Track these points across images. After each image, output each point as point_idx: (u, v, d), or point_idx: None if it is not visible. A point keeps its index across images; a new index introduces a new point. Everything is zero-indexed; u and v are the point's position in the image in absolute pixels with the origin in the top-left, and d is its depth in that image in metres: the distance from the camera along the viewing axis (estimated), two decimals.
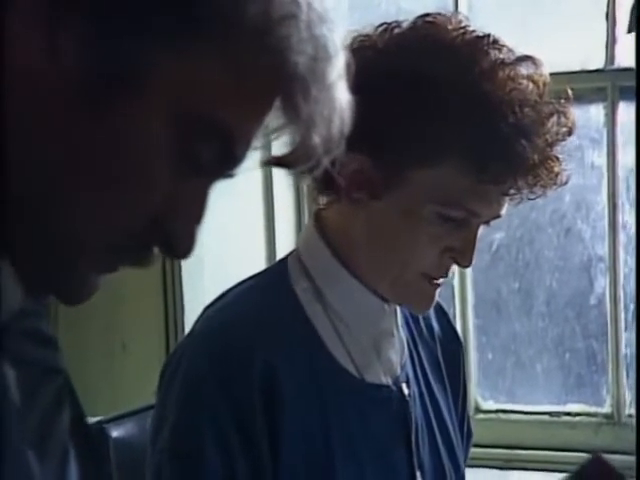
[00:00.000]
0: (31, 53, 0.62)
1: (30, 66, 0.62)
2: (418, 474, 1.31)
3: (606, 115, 2.49)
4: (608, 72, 2.47)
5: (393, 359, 1.32)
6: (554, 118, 1.21)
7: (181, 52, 0.64)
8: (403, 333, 1.35)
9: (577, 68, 2.51)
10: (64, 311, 2.62)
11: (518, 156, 1.18)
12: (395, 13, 1.29)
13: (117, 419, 1.72)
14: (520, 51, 1.24)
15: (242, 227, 2.67)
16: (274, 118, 0.69)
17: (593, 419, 2.55)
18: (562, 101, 1.23)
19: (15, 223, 0.64)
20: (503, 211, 1.25)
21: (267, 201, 2.71)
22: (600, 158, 2.52)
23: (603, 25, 2.47)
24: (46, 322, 0.71)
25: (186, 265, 2.53)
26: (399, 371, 1.32)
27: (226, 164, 0.69)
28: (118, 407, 1.90)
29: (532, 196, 1.24)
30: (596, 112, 2.53)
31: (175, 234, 0.68)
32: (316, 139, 0.69)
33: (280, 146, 0.72)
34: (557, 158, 1.22)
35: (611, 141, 2.47)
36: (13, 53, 0.62)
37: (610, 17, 2.46)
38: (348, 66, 0.72)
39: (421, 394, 1.35)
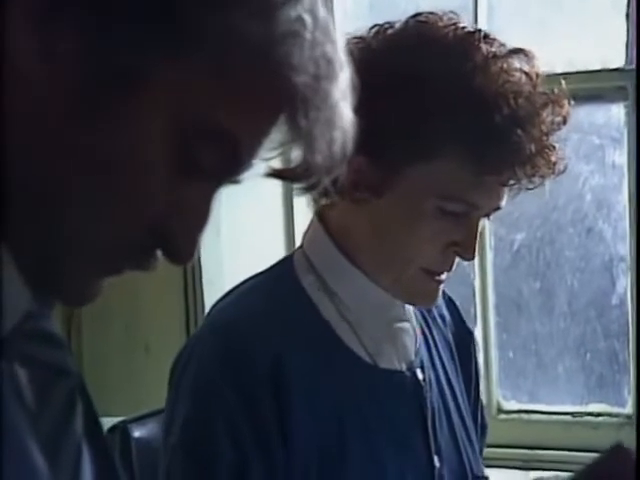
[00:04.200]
0: (27, 54, 0.62)
1: (26, 68, 0.62)
2: (436, 458, 1.32)
3: (627, 114, 2.49)
4: (629, 71, 2.46)
5: (407, 344, 1.33)
6: (549, 108, 1.23)
7: (179, 62, 0.64)
8: (416, 319, 1.36)
9: (597, 67, 2.51)
10: (87, 313, 2.63)
11: (515, 146, 1.20)
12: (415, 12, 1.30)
13: (139, 419, 1.73)
14: (527, 48, 1.26)
15: (262, 228, 2.67)
16: (279, 132, 0.69)
17: (615, 419, 2.54)
18: (556, 91, 1.24)
19: (18, 226, 0.64)
20: (503, 203, 1.26)
21: (286, 202, 2.72)
22: (621, 157, 2.51)
23: (623, 24, 2.47)
24: (53, 323, 0.71)
25: (206, 267, 2.54)
26: (413, 356, 1.33)
27: (229, 170, 0.68)
28: (140, 408, 1.91)
29: (531, 186, 1.25)
30: (617, 111, 2.52)
31: (177, 240, 0.67)
32: (317, 158, 0.68)
33: (285, 160, 0.72)
34: (554, 147, 1.24)
35: (632, 140, 2.46)
36: (8, 54, 0.62)
37: (630, 17, 2.45)
38: (353, 84, 0.71)
39: (437, 379, 1.36)
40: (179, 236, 0.68)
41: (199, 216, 0.68)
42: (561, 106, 1.24)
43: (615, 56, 2.49)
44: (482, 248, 2.53)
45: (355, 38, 1.26)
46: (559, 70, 2.31)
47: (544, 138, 1.22)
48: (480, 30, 1.25)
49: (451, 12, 1.27)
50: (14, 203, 0.63)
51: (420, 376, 1.33)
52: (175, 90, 0.64)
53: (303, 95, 0.66)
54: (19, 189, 0.63)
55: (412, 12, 1.28)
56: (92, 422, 0.72)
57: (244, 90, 0.65)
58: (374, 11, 2.72)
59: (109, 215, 0.65)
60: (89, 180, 0.64)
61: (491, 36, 1.24)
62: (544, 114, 1.22)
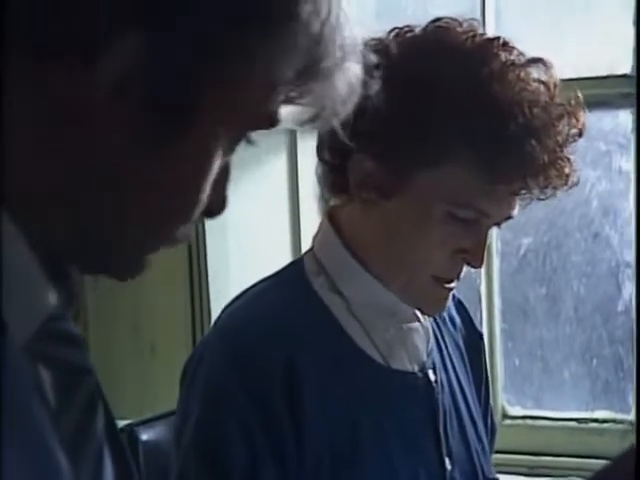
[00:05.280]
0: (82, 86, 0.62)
1: (88, 98, 0.63)
2: (447, 460, 1.32)
3: (634, 120, 2.49)
4: (636, 78, 2.46)
5: (418, 345, 1.33)
6: (564, 120, 1.22)
7: (233, 79, 0.66)
8: (428, 321, 1.37)
9: (605, 73, 2.51)
10: (93, 314, 2.64)
11: (527, 156, 1.19)
12: (422, 18, 1.29)
13: (147, 422, 1.73)
14: (534, 54, 1.25)
15: (268, 228, 2.68)
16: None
17: (620, 426, 2.54)
18: (572, 103, 1.24)
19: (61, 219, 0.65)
20: (514, 212, 1.26)
21: (292, 200, 2.72)
22: (628, 163, 2.52)
23: (631, 30, 2.47)
24: (71, 323, 0.72)
25: (212, 267, 2.54)
26: (425, 357, 1.33)
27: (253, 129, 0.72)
28: (147, 410, 1.91)
29: (542, 197, 1.25)
30: (624, 117, 2.52)
31: (211, 202, 0.70)
32: (329, 96, 0.71)
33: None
34: (568, 159, 1.23)
35: (639, 146, 2.46)
36: (65, 89, 0.62)
37: (638, 23, 2.44)
38: (364, 45, 0.75)
39: (449, 381, 1.36)
40: (213, 198, 0.71)
41: (226, 173, 0.72)
42: (577, 118, 1.23)
43: (622, 62, 2.49)
44: (488, 253, 2.53)
45: (374, 40, 1.25)
46: (566, 76, 2.31)
47: (558, 149, 1.21)
48: (499, 38, 1.24)
49: (472, 19, 1.27)
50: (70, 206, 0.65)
51: (432, 377, 1.33)
52: (228, 109, 0.67)
53: (320, 37, 0.69)
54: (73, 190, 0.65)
55: (419, 19, 1.28)
56: (109, 423, 0.73)
57: (285, 72, 0.68)
58: (380, 18, 2.72)
59: (161, 218, 0.69)
60: (143, 194, 0.66)
61: (510, 44, 1.24)
62: (560, 125, 1.21)
